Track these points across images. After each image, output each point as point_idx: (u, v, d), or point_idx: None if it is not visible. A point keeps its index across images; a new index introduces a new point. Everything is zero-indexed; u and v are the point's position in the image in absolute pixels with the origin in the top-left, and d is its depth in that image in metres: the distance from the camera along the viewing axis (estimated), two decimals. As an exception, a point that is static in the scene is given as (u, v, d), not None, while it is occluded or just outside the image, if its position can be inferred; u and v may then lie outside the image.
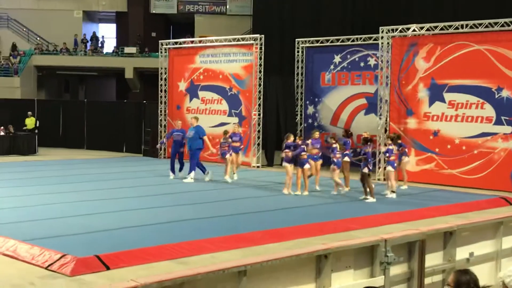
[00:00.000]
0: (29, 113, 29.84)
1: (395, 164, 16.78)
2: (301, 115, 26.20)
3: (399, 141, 18.11)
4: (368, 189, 15.93)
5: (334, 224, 12.49)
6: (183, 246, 10.02)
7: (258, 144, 24.43)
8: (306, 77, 26.19)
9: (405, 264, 11.05)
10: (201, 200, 15.63)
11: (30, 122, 29.65)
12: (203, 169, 19.48)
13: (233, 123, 22.78)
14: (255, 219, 13.01)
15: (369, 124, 22.39)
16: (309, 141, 17.32)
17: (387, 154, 16.68)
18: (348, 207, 15.19)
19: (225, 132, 19.94)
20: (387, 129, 21.11)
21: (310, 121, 26.20)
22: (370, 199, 15.82)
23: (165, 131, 27.28)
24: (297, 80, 26.22)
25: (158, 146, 23.04)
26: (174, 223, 12.29)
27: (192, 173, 18.96)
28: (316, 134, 17.95)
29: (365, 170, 15.87)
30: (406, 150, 18.61)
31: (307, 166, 16.60)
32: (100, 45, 41.07)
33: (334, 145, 17.07)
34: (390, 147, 16.71)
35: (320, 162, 18.23)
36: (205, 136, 19.39)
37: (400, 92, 21.11)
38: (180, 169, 19.82)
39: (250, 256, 9.24)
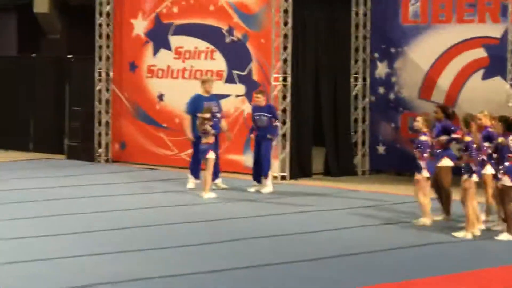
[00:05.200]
0: None
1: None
2: (363, 80, 20.47)
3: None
4: (507, 216, 13.17)
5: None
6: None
7: (283, 136, 18.69)
8: (374, 9, 20.62)
9: None
10: (245, 234, 13.08)
11: None
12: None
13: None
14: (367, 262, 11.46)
15: (491, 95, 18.38)
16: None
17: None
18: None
19: (207, 110, 16.94)
20: (524, 105, 18.33)
21: (380, 91, 20.27)
22: (506, 236, 13.03)
23: (107, 112, 21.83)
24: (357, 14, 20.53)
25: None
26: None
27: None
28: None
29: (507, 181, 12.76)
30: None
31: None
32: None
33: (422, 137, 14.04)
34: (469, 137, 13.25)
35: None
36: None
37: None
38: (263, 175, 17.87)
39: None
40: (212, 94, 17.51)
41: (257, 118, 17.13)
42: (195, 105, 17.10)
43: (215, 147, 17.08)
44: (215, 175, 17.06)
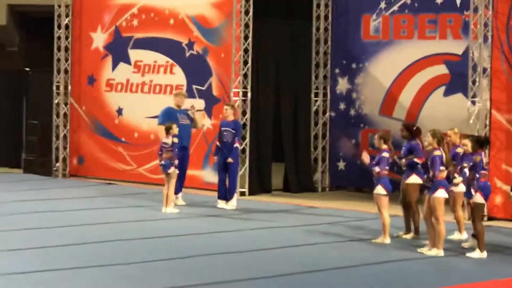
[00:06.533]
0: None
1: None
2: (323, 95, 20.61)
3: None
4: (478, 236, 13.29)
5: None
6: None
7: (243, 152, 18.77)
8: (335, 24, 20.82)
9: None
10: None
11: None
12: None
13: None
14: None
15: (452, 112, 18.80)
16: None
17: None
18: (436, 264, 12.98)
19: (168, 128, 17.05)
20: (488, 123, 17.16)
21: (341, 107, 20.57)
22: (477, 253, 13.13)
23: (65, 126, 21.69)
24: (318, 29, 20.69)
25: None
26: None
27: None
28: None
29: (479, 199, 13.12)
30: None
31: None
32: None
33: (384, 153, 14.16)
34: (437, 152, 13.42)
35: None
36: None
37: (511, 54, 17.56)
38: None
39: None
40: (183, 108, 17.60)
41: (224, 133, 17.23)
42: (167, 117, 17.22)
43: (185, 161, 17.11)
44: (178, 190, 17.16)
